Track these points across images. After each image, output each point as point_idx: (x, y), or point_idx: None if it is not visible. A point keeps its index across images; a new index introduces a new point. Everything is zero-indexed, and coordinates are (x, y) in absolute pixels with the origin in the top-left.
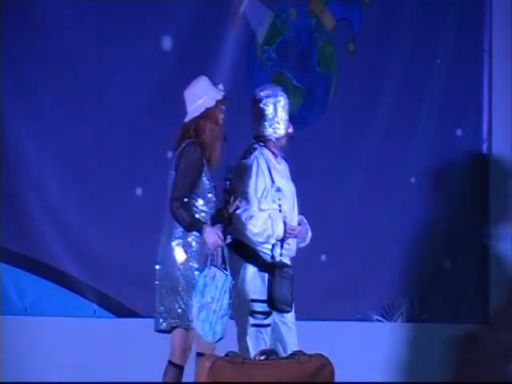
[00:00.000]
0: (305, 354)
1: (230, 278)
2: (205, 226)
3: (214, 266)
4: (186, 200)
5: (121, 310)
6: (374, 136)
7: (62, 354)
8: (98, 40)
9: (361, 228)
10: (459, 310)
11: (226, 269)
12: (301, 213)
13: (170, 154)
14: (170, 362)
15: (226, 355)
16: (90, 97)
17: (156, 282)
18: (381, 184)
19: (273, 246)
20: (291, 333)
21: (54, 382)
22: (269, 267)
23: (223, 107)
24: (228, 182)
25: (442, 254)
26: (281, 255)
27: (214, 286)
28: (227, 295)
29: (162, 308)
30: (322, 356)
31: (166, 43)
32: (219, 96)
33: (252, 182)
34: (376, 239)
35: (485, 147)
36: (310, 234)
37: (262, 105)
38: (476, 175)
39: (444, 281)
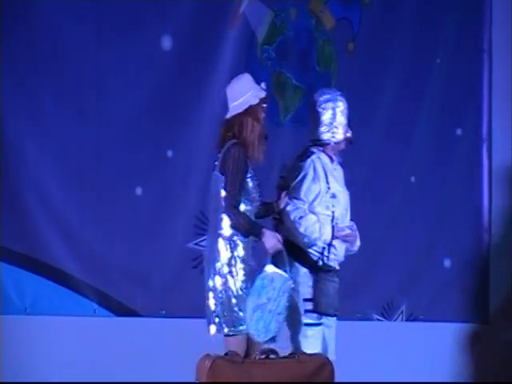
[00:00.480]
0: (305, 353)
1: (290, 280)
2: (263, 230)
3: (272, 267)
4: (238, 202)
5: (121, 310)
6: (374, 135)
7: (61, 353)
8: (97, 40)
9: (360, 227)
10: (459, 309)
11: (286, 271)
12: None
13: (170, 154)
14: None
15: (226, 354)
16: (90, 97)
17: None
18: (381, 183)
19: (322, 249)
20: (332, 334)
21: (54, 381)
22: (316, 270)
23: (265, 106)
24: (282, 181)
25: (442, 254)
26: (328, 259)
27: (272, 288)
28: (285, 296)
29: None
30: (322, 355)
31: (166, 43)
32: (262, 94)
33: (305, 185)
34: (376, 239)
35: (485, 147)
36: (358, 242)
37: (320, 109)
38: (476, 174)
39: (444, 280)
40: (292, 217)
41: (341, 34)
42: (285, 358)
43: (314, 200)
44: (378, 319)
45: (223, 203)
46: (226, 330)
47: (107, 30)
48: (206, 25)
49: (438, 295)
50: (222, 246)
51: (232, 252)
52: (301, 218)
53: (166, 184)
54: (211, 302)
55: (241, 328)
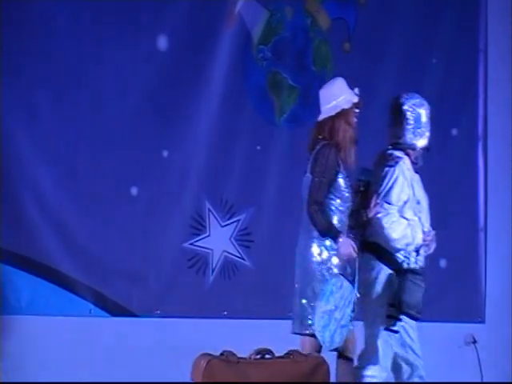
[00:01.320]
0: (300, 353)
1: (355, 291)
2: (341, 235)
3: (343, 276)
4: (322, 204)
5: (116, 310)
6: (370, 135)
7: (57, 353)
8: (94, 40)
9: None
10: (454, 309)
11: (353, 281)
12: None
13: (165, 154)
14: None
15: (221, 354)
16: (86, 97)
17: (296, 285)
18: None
19: (408, 252)
20: (414, 336)
21: (51, 382)
22: (402, 272)
23: (357, 111)
24: (362, 184)
25: (438, 254)
26: (416, 262)
27: (340, 295)
28: (351, 306)
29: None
30: (318, 355)
31: (162, 43)
32: (355, 99)
33: (396, 191)
34: None
35: (480, 146)
36: (434, 245)
37: (408, 113)
38: (471, 174)
39: (440, 280)
40: (384, 222)
41: (337, 33)
42: (280, 357)
43: (403, 205)
44: None
45: (306, 200)
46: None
47: (103, 31)
48: (201, 25)
49: (434, 295)
50: (315, 248)
51: (322, 254)
52: (393, 223)
53: (161, 184)
54: (297, 302)
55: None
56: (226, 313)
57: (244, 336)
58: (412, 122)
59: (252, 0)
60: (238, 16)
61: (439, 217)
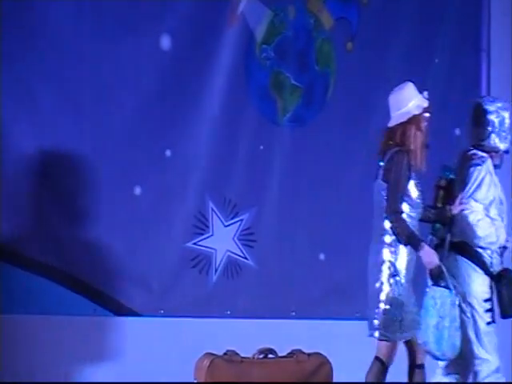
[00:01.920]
0: (303, 352)
1: (453, 293)
2: (422, 244)
3: (434, 286)
4: (401, 212)
5: (120, 309)
6: (373, 134)
7: (61, 352)
8: (96, 39)
9: (359, 227)
10: None
11: (448, 286)
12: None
13: (168, 153)
14: (377, 358)
15: (225, 354)
16: (89, 96)
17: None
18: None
19: (492, 252)
20: None
21: (54, 381)
22: (494, 273)
23: (428, 115)
24: (443, 181)
25: None
26: (501, 263)
27: (440, 305)
28: (457, 310)
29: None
30: (321, 355)
31: (165, 43)
32: (425, 103)
33: (483, 189)
34: None
35: None
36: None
37: (493, 117)
38: None
39: None
40: (470, 219)
41: (339, 33)
42: (283, 357)
43: (490, 204)
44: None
45: (386, 209)
46: (376, 334)
47: (106, 30)
48: (204, 25)
49: None
50: (387, 253)
51: (395, 260)
52: (479, 220)
53: (164, 184)
54: (372, 306)
55: (392, 336)
56: (229, 312)
57: (247, 336)
58: (497, 125)
59: (255, 0)
60: (241, 16)
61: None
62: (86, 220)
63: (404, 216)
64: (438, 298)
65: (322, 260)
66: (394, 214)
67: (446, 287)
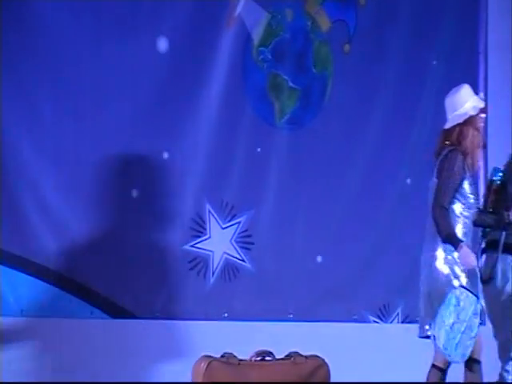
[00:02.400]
0: (301, 354)
1: (478, 300)
2: (462, 244)
3: (463, 288)
4: (447, 209)
5: (117, 312)
6: (370, 137)
7: (58, 355)
8: (94, 42)
9: (357, 229)
10: None
11: (477, 293)
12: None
13: (165, 155)
14: (434, 365)
15: (222, 356)
16: (87, 99)
17: (421, 288)
18: (377, 185)
19: None
20: None
21: (52, 381)
22: None
23: (484, 116)
24: (495, 184)
25: None
26: None
27: (462, 308)
28: (477, 319)
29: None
30: (318, 357)
31: (162, 45)
32: (481, 104)
33: None
34: (372, 241)
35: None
36: None
37: None
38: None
39: None
40: None
41: (337, 35)
42: (281, 359)
43: None
44: (375, 321)
45: (432, 203)
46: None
47: (104, 33)
48: (201, 27)
49: None
50: (441, 252)
51: (447, 258)
52: None
53: (161, 186)
54: (422, 307)
55: None
56: (226, 315)
57: (245, 338)
58: None
59: (252, 2)
60: (238, 18)
61: None
62: (83, 223)
63: (457, 213)
64: (462, 300)
65: (319, 262)
66: (439, 208)
67: (475, 295)
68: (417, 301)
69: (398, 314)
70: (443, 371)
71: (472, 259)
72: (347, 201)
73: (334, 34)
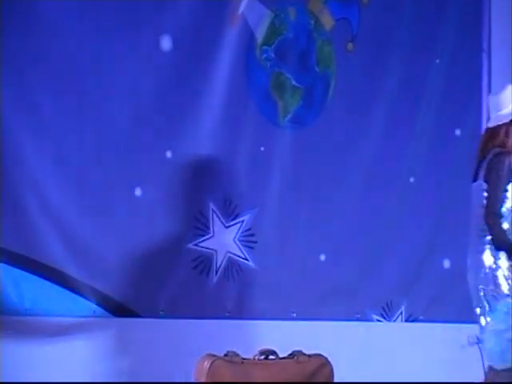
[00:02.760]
0: (304, 353)
1: None
2: None
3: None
4: (501, 215)
5: (120, 310)
6: (373, 135)
7: (61, 353)
8: (96, 39)
9: (360, 228)
10: (458, 310)
11: None
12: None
13: (169, 154)
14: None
15: (225, 355)
16: (89, 97)
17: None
18: (380, 184)
19: None
20: None
21: (54, 382)
22: None
23: None
24: None
25: (442, 254)
26: None
27: (510, 315)
28: None
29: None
30: (321, 356)
31: (165, 43)
32: None
33: None
34: (375, 239)
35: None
36: None
37: None
38: None
39: (443, 281)
40: None
41: (340, 34)
42: (284, 358)
43: None
44: (378, 320)
45: (484, 211)
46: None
47: (105, 30)
48: (204, 26)
49: (438, 296)
50: (487, 256)
51: (496, 263)
52: None
53: (165, 185)
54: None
55: None
56: (229, 313)
57: (247, 337)
58: None
59: (255, 1)
60: (242, 16)
61: (443, 217)
62: (86, 221)
63: (504, 215)
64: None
65: (322, 261)
66: (493, 215)
67: None
68: (420, 299)
69: (401, 313)
70: None
71: None
72: (350, 199)
73: (337, 33)
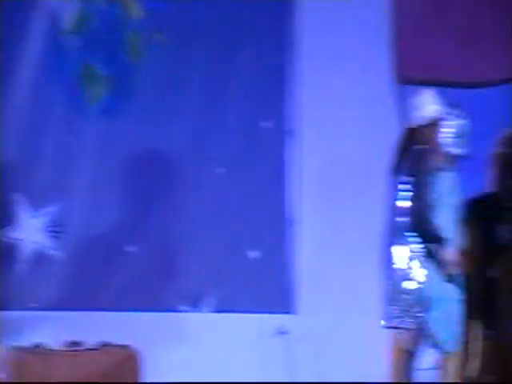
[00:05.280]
0: (112, 344)
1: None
2: (445, 242)
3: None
4: (428, 206)
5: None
6: (181, 127)
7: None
8: None
9: (167, 219)
10: (266, 300)
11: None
12: None
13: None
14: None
15: (33, 346)
16: None
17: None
18: (189, 175)
19: None
20: None
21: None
22: None
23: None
24: None
25: (249, 245)
26: None
27: (444, 301)
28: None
29: None
30: (129, 346)
31: None
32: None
33: None
34: (183, 230)
35: (291, 139)
36: None
37: None
38: (283, 167)
39: (250, 271)
40: None
41: (149, 24)
42: (92, 349)
43: None
44: (186, 311)
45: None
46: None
47: None
48: (8, 14)
49: (245, 287)
50: (403, 250)
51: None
52: None
53: None
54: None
55: None
56: (36, 304)
57: (55, 328)
58: None
59: None
60: (48, 4)
61: (250, 209)
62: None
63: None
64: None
65: (130, 253)
66: (421, 207)
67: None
68: (229, 290)
69: (210, 304)
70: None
71: (455, 257)
72: (162, 190)
73: (146, 23)
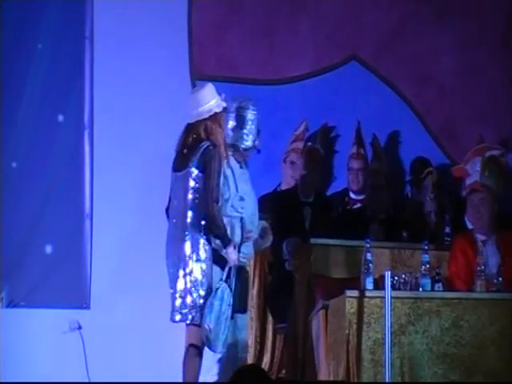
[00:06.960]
0: None
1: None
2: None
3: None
4: (217, 203)
5: None
6: None
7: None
8: None
9: None
10: (60, 295)
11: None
12: None
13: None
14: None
15: None
16: None
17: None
18: None
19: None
20: None
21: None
22: None
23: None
24: None
25: (44, 239)
26: None
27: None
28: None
29: None
30: None
31: None
32: (224, 103)
33: None
34: None
35: (86, 134)
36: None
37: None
38: (78, 162)
39: (45, 266)
40: None
41: None
42: None
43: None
44: None
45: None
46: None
47: None
48: None
49: (40, 281)
50: (188, 245)
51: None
52: None
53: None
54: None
55: None
56: None
57: None
58: None
59: None
60: None
61: (46, 203)
62: None
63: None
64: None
65: None
66: (211, 203)
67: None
68: (22, 285)
69: (2, 299)
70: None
71: (236, 255)
72: None
73: None
